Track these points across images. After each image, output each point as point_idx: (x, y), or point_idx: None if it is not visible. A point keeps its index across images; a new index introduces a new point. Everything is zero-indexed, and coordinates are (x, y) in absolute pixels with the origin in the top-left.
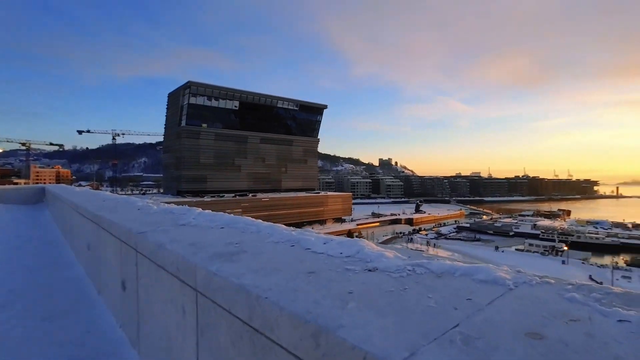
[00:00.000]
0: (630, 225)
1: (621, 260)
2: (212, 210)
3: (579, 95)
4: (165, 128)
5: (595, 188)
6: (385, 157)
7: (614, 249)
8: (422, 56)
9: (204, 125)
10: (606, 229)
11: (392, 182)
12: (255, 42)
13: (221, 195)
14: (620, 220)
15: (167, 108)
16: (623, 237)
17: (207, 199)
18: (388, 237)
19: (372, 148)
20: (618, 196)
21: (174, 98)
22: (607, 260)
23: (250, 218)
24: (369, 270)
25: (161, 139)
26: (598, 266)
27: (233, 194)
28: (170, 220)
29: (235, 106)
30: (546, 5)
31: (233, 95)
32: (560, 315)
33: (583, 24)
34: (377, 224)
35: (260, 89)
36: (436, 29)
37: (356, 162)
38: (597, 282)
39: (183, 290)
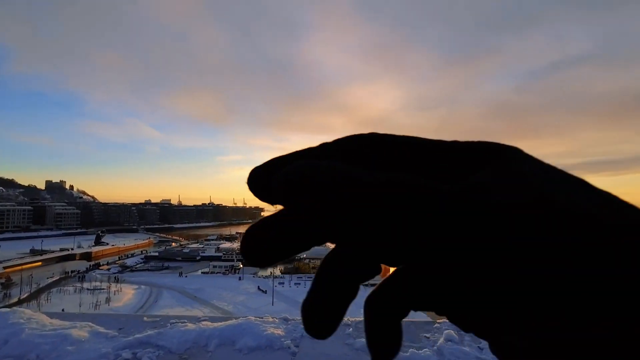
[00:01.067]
0: None
1: (278, 270)
2: None
3: (249, 138)
4: None
5: (262, 213)
6: (56, 179)
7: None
8: (111, 71)
9: None
10: None
11: (65, 209)
12: None
13: None
14: None
15: None
16: None
17: None
18: (55, 279)
19: (36, 167)
20: None
21: None
22: (268, 272)
23: None
24: None
25: None
26: (264, 277)
27: None
28: None
29: None
30: (228, 57)
31: None
32: None
33: (257, 79)
34: (39, 263)
35: None
36: (130, 50)
37: (8, 183)
38: (263, 291)
39: None
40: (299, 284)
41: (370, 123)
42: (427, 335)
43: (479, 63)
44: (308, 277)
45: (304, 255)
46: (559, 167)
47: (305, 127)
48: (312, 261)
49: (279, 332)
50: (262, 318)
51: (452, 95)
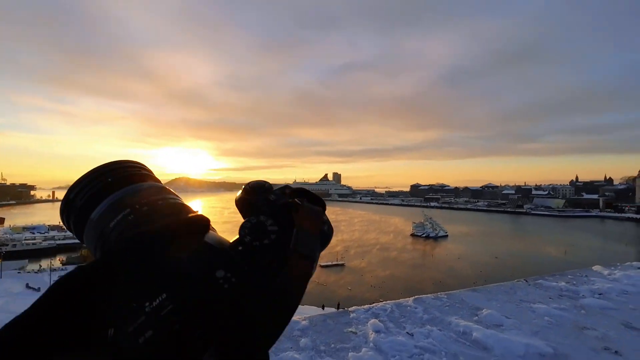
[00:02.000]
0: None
1: (58, 261)
2: None
3: (15, 94)
4: None
5: (32, 192)
6: None
7: (51, 252)
8: None
9: None
10: (43, 233)
11: None
12: None
13: None
14: (57, 223)
15: None
16: (59, 239)
17: None
18: None
19: None
20: (54, 200)
21: None
22: (45, 264)
23: None
24: None
25: None
26: (35, 272)
27: None
28: None
29: None
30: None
31: None
32: None
33: (26, 19)
34: None
35: None
36: None
37: None
38: (35, 289)
39: None
40: None
41: (181, 96)
42: (352, 330)
43: (292, 53)
44: None
45: None
46: (348, 152)
47: (100, 90)
48: None
49: None
50: None
51: (265, 80)
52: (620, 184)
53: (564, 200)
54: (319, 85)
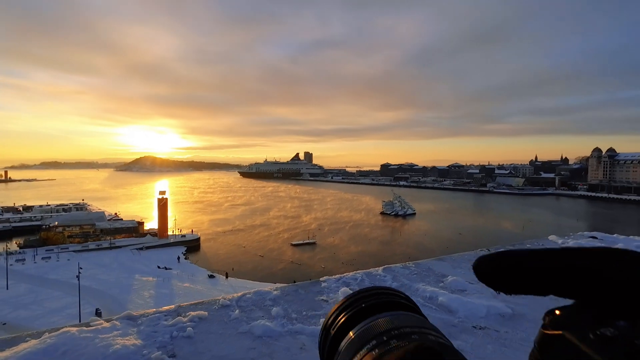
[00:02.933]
0: (21, 209)
1: (14, 244)
2: None
3: None
4: None
5: None
6: None
7: (7, 234)
8: None
9: None
10: None
11: None
12: None
13: None
14: (11, 205)
15: None
16: (15, 221)
17: None
18: None
19: None
20: (7, 180)
21: None
22: (0, 247)
23: None
24: None
25: None
26: None
27: None
28: None
29: None
30: None
31: None
32: None
33: None
34: None
35: None
36: None
37: None
38: None
39: None
40: (49, 257)
41: (144, 71)
42: (324, 298)
43: (262, 28)
44: (62, 249)
45: (55, 222)
46: (319, 131)
47: (54, 62)
48: (66, 229)
49: (133, 341)
50: (90, 326)
51: (234, 55)
52: (575, 163)
53: (523, 179)
54: (290, 62)
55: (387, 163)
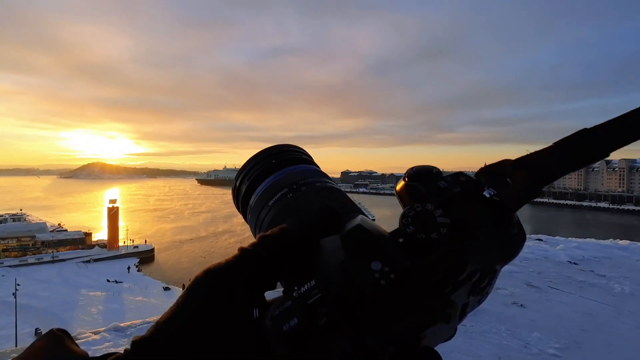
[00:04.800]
0: None
1: None
2: None
3: None
4: None
5: None
6: None
7: None
8: None
9: None
10: None
11: None
12: None
13: None
14: None
15: None
16: None
17: None
18: None
19: None
20: None
21: None
22: None
23: None
24: None
25: None
26: None
27: None
28: None
29: None
30: None
31: None
32: None
33: None
34: None
35: None
36: None
37: None
38: None
39: None
40: None
41: (91, 71)
42: None
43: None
44: None
45: None
46: (279, 138)
47: None
48: (1, 242)
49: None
50: (78, 339)
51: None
52: None
53: None
54: (248, 67)
55: (347, 170)
